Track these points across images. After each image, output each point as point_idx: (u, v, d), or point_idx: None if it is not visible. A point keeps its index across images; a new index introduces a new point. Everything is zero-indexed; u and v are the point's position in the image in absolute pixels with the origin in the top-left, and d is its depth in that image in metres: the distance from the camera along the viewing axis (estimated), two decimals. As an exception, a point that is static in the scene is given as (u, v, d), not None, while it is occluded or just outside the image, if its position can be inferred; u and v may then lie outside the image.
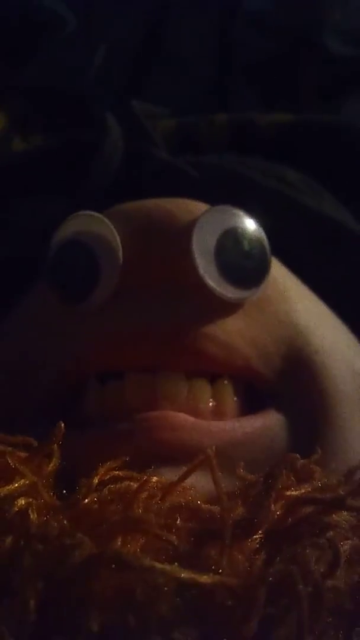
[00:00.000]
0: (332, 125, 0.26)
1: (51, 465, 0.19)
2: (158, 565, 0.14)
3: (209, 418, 0.21)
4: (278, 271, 0.23)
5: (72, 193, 0.24)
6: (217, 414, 0.22)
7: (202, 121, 0.26)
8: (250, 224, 0.22)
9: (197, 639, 0.14)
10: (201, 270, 0.21)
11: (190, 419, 0.21)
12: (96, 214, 0.22)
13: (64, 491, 0.18)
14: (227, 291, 0.21)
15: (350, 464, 0.18)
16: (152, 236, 0.22)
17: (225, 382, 0.22)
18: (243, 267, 0.22)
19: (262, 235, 0.22)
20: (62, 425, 0.19)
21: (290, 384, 0.22)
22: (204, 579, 0.14)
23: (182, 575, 0.14)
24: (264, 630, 0.14)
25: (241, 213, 0.22)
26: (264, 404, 0.22)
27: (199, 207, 0.22)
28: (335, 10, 0.28)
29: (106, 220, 0.22)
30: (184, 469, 0.18)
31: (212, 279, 0.21)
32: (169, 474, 0.18)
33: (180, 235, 0.21)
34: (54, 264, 0.22)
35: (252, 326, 0.22)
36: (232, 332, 0.22)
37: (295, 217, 0.24)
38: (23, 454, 0.19)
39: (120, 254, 0.21)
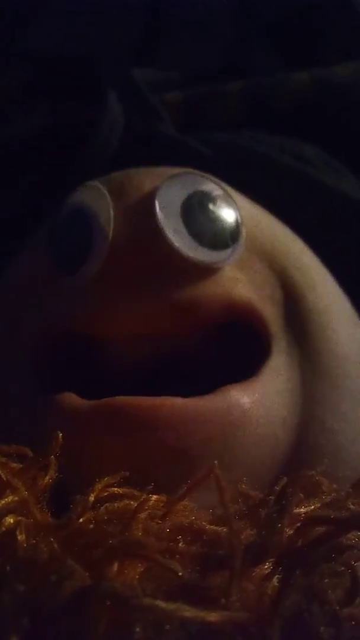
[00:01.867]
0: (352, 84, 0.25)
1: (47, 478, 0.17)
2: (159, 604, 0.12)
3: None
4: (261, 220, 0.22)
5: (71, 172, 0.24)
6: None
7: (211, 94, 0.25)
8: (213, 187, 0.22)
9: None
10: (170, 239, 0.20)
11: (178, 402, 0.19)
12: (96, 184, 0.22)
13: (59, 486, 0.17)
14: (201, 255, 0.21)
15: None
16: (125, 207, 0.21)
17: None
18: (213, 229, 0.21)
19: (228, 196, 0.21)
20: (60, 435, 0.18)
21: (290, 326, 0.22)
22: (212, 616, 0.12)
23: (187, 614, 0.12)
24: None
25: (203, 177, 0.22)
26: (263, 354, 0.21)
27: (160, 177, 0.21)
28: None
29: (106, 193, 0.21)
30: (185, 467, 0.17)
31: (182, 244, 0.21)
32: (171, 479, 0.17)
33: (146, 208, 0.21)
34: (55, 234, 0.22)
35: (245, 269, 0.21)
36: (226, 283, 0.21)
37: (312, 195, 0.23)
38: (17, 466, 0.18)
39: (108, 231, 0.21)
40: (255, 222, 0.22)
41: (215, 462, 0.16)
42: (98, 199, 0.21)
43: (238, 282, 0.21)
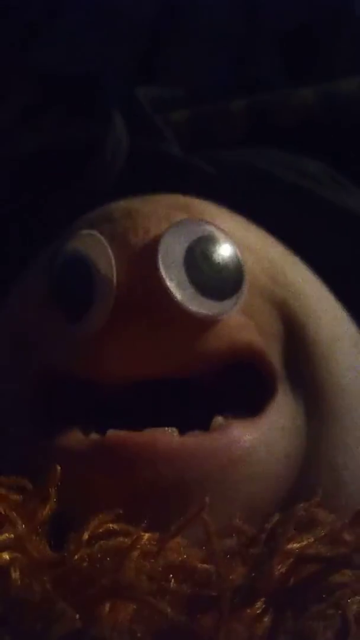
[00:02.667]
0: (356, 99, 0.25)
1: (46, 510, 0.18)
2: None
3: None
4: (263, 245, 0.22)
5: (75, 191, 0.23)
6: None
7: (217, 111, 0.25)
8: (217, 235, 0.21)
9: None
10: (178, 297, 0.20)
11: (175, 440, 0.19)
12: (96, 235, 0.21)
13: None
14: (203, 307, 0.20)
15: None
16: (131, 257, 0.21)
17: (220, 419, 0.20)
18: (216, 279, 0.20)
19: (231, 244, 0.21)
20: (59, 468, 0.18)
21: (292, 361, 0.21)
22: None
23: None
24: None
25: (207, 224, 0.21)
26: (266, 395, 0.21)
27: (171, 216, 0.21)
28: None
29: (102, 240, 0.21)
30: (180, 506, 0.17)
31: (184, 296, 0.20)
32: (168, 515, 0.17)
33: (148, 257, 0.20)
34: (57, 279, 0.22)
35: (247, 311, 0.21)
36: (230, 328, 0.20)
37: (317, 211, 0.23)
38: (17, 498, 0.18)
39: (114, 279, 0.20)
40: (254, 257, 0.22)
41: (207, 499, 0.16)
42: (98, 247, 0.21)
43: (241, 328, 0.21)
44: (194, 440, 0.19)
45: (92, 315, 0.21)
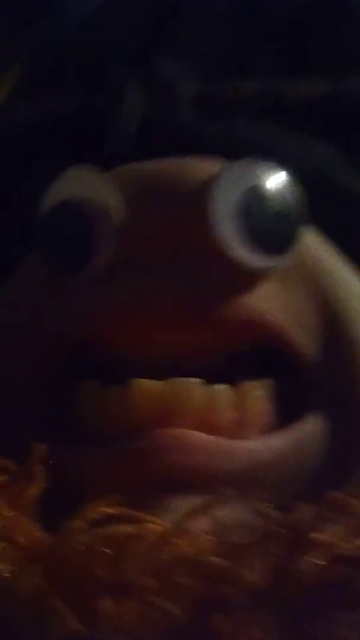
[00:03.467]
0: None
1: (34, 489, 0.16)
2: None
3: (230, 432, 0.18)
4: (311, 238, 0.20)
5: (84, 160, 0.21)
6: (242, 425, 0.19)
7: (228, 88, 0.23)
8: (276, 181, 0.19)
9: None
10: (222, 236, 0.18)
11: (208, 438, 0.18)
12: (95, 170, 0.19)
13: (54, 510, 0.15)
14: (253, 259, 0.18)
15: None
16: (162, 196, 0.18)
17: (250, 384, 0.19)
18: (270, 230, 0.18)
19: (291, 193, 0.19)
20: (44, 446, 0.16)
21: (328, 372, 0.19)
22: None
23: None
24: None
25: (267, 167, 0.19)
26: (299, 398, 0.19)
27: (215, 165, 0.19)
28: None
29: (107, 179, 0.19)
30: (200, 498, 0.16)
31: (235, 245, 0.18)
32: (183, 504, 0.16)
33: (194, 197, 0.18)
34: (44, 229, 0.19)
35: (285, 295, 0.19)
36: (262, 300, 0.19)
37: (326, 195, 0.21)
38: (2, 478, 0.16)
39: (116, 215, 0.18)
40: (309, 239, 0.20)
41: (226, 490, 0.15)
42: (94, 182, 0.19)
43: (275, 302, 0.19)
44: (222, 442, 0.18)
45: (93, 262, 0.18)
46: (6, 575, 0.13)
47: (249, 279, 0.19)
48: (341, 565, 0.14)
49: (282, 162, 0.20)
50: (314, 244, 0.21)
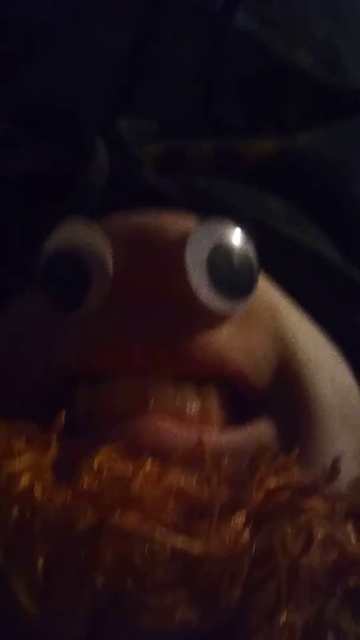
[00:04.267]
0: (312, 158, 0.27)
1: (50, 454, 0.20)
2: (156, 532, 0.15)
3: (194, 424, 0.22)
4: (265, 285, 0.24)
5: (55, 214, 0.24)
6: (203, 420, 0.23)
7: (189, 147, 0.26)
8: (238, 238, 0.23)
9: (187, 601, 0.16)
10: (194, 283, 0.22)
11: (177, 427, 0.22)
12: (88, 222, 0.23)
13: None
14: (219, 302, 0.22)
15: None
16: (145, 249, 0.21)
17: (212, 388, 0.23)
18: (233, 279, 0.23)
19: (250, 248, 0.23)
20: (63, 414, 0.20)
21: (278, 393, 0.23)
22: (195, 548, 0.16)
23: (176, 542, 0.16)
24: (245, 597, 0.16)
25: (230, 228, 0.23)
26: (249, 414, 0.23)
27: (188, 222, 0.23)
28: (317, 33, 0.28)
29: (99, 230, 0.23)
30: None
31: (204, 291, 0.22)
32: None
33: (172, 250, 0.22)
34: (45, 272, 0.23)
35: (243, 335, 0.23)
36: (224, 339, 0.23)
37: (277, 247, 0.25)
38: (22, 440, 0.20)
39: (111, 264, 0.22)
40: (260, 283, 0.24)
41: (205, 439, 0.19)
42: (88, 232, 0.23)
43: (235, 345, 0.22)
44: (191, 430, 0.22)
45: (90, 297, 0.22)
46: (41, 497, 0.18)
47: (214, 321, 0.23)
48: (283, 493, 0.19)
49: (239, 217, 0.24)
50: (267, 289, 0.25)
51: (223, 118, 0.27)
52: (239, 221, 0.24)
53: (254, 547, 0.17)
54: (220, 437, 0.22)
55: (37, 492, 0.18)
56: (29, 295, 0.25)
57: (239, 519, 0.18)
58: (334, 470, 0.19)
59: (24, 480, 0.18)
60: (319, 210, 0.27)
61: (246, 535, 0.18)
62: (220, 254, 0.23)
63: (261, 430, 0.23)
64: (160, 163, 0.26)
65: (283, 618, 0.17)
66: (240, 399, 0.24)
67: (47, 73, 0.28)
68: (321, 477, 0.19)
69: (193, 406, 0.23)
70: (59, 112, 0.27)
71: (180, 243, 0.23)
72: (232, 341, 0.23)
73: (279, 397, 0.23)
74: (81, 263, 0.23)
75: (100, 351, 0.23)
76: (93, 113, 0.27)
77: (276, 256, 0.25)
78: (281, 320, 0.24)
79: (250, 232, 0.24)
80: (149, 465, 0.19)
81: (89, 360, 0.23)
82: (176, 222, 0.23)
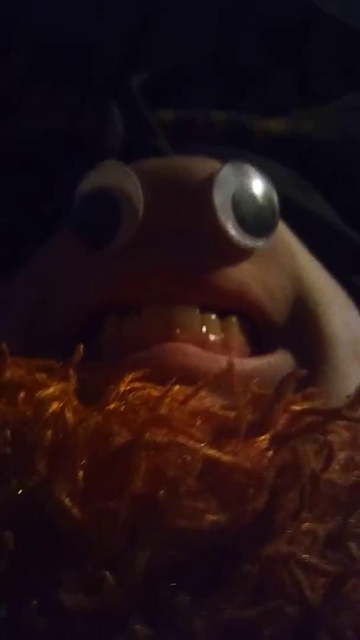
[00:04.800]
0: (326, 140, 0.28)
1: (71, 383, 0.20)
2: (189, 442, 0.16)
3: (218, 351, 0.23)
4: (283, 229, 0.26)
5: (71, 178, 0.25)
6: (225, 348, 0.24)
7: (200, 118, 0.27)
8: (261, 180, 0.25)
9: (217, 507, 0.17)
10: (221, 219, 0.23)
11: (201, 351, 0.23)
12: (122, 165, 0.24)
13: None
14: (244, 238, 0.23)
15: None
16: (175, 190, 0.23)
17: (234, 319, 0.24)
18: (257, 217, 0.23)
19: (272, 190, 0.25)
20: (82, 347, 0.21)
21: (293, 328, 0.25)
22: (225, 458, 0.17)
23: (208, 452, 0.17)
24: (270, 502, 0.17)
25: (253, 170, 0.25)
26: (268, 347, 0.25)
27: (214, 164, 0.24)
28: None
29: (130, 172, 0.24)
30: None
31: (230, 227, 0.23)
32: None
33: (200, 189, 0.23)
34: (79, 212, 0.24)
35: (263, 272, 0.24)
36: (246, 273, 0.23)
37: (282, 210, 0.26)
38: (44, 375, 0.20)
39: (141, 204, 0.23)
40: (279, 227, 0.25)
41: (233, 363, 0.20)
42: (119, 172, 0.23)
43: (255, 280, 0.23)
44: (214, 355, 0.23)
45: (117, 237, 0.23)
46: (73, 421, 0.19)
47: (237, 256, 0.24)
48: (307, 417, 0.20)
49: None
50: (285, 232, 0.26)
51: (241, 64, 0.28)
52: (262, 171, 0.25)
53: (279, 459, 0.18)
54: (243, 363, 0.23)
55: (68, 415, 0.19)
56: (58, 240, 0.26)
57: (265, 439, 0.19)
58: (357, 398, 0.20)
59: (54, 405, 0.19)
60: (323, 182, 0.27)
61: (271, 453, 0.19)
62: (245, 193, 0.24)
63: (280, 360, 0.24)
64: (171, 130, 0.26)
65: (306, 525, 0.18)
66: (259, 334, 0.25)
67: (64, 13, 0.28)
68: (344, 405, 0.20)
69: (216, 334, 0.24)
70: (76, 54, 0.27)
71: (207, 182, 0.24)
72: (253, 275, 0.24)
73: (295, 332, 0.25)
74: (112, 202, 0.24)
75: (127, 283, 0.24)
76: (109, 57, 0.27)
77: (283, 219, 0.26)
78: (298, 261, 0.26)
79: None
80: (175, 389, 0.20)
81: (116, 291, 0.24)
82: (203, 164, 0.24)
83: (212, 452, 0.16)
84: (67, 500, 0.16)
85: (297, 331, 0.25)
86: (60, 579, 0.15)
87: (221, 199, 0.24)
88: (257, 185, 0.24)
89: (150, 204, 0.24)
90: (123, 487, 0.16)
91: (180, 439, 0.17)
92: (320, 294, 0.26)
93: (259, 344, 0.25)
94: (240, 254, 0.24)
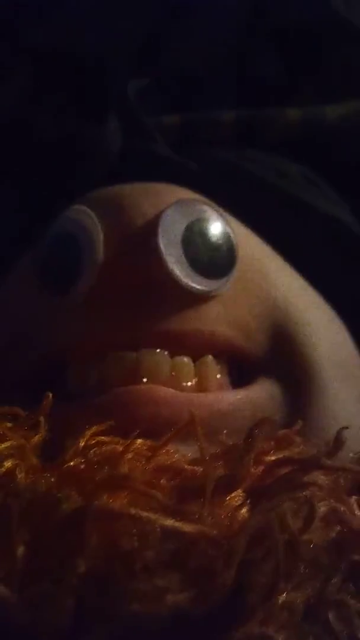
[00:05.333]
0: (340, 127, 0.27)
1: (37, 436, 0.19)
2: (144, 513, 0.14)
3: (189, 390, 0.22)
4: (253, 248, 0.24)
5: (65, 190, 0.25)
6: (200, 390, 0.22)
7: (207, 120, 0.26)
8: (214, 216, 0.23)
9: (179, 584, 0.15)
10: (170, 266, 0.22)
11: (171, 391, 0.21)
12: (84, 209, 0.23)
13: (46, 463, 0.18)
14: (197, 283, 0.21)
15: (333, 432, 0.18)
16: (125, 230, 0.22)
17: (209, 358, 0.22)
18: (210, 258, 0.22)
19: (227, 226, 0.23)
20: (50, 396, 0.20)
21: (274, 356, 0.23)
22: (187, 528, 0.15)
23: (166, 523, 0.14)
24: (241, 577, 0.15)
25: (205, 206, 0.23)
26: (250, 379, 0.23)
27: (167, 198, 0.23)
28: None
29: (92, 215, 0.22)
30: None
31: (181, 272, 0.22)
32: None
33: (147, 232, 0.21)
34: (43, 257, 0.23)
35: (231, 307, 0.23)
36: (211, 318, 0.22)
37: (291, 211, 0.25)
38: (9, 424, 0.19)
39: (101, 250, 0.22)
40: (248, 252, 0.24)
41: (194, 412, 0.18)
42: (85, 219, 0.22)
43: (223, 320, 0.22)
44: (186, 394, 0.21)
45: (80, 284, 0.22)
46: (24, 481, 0.17)
47: (199, 298, 0.22)
48: (281, 468, 0.18)
49: (256, 184, 0.23)
50: (256, 251, 0.24)
51: (258, 76, 0.27)
52: (255, 188, 0.24)
53: (251, 525, 0.15)
54: (218, 400, 0.21)
55: (20, 475, 0.17)
56: (20, 277, 0.25)
57: (236, 495, 0.17)
58: (338, 442, 0.18)
59: (7, 463, 0.17)
60: (338, 178, 0.26)
61: (243, 512, 0.17)
62: (194, 234, 0.22)
63: (257, 391, 0.22)
64: (176, 135, 0.26)
65: (282, 597, 0.15)
66: (239, 365, 0.23)
67: (71, 25, 0.28)
68: (323, 450, 0.18)
69: (187, 379, 0.22)
70: (83, 66, 0.27)
71: (153, 223, 0.22)
72: (219, 314, 0.23)
73: (276, 359, 0.23)
74: (74, 248, 0.22)
75: (90, 331, 0.22)
76: (117, 69, 0.27)
77: (293, 219, 0.25)
78: (272, 283, 0.24)
79: (265, 196, 0.24)
80: (138, 443, 0.18)
81: (79, 338, 0.23)
82: (152, 200, 0.23)
83: (170, 522, 0.14)
84: (1, 585, 0.13)
85: (280, 357, 0.23)
86: None
87: (167, 240, 0.22)
88: (209, 224, 0.23)
89: (108, 246, 0.22)
90: (69, 565, 0.14)
91: (138, 505, 0.14)
92: (300, 316, 0.24)
93: (240, 374, 0.23)
94: (204, 295, 0.22)
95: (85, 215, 0.23)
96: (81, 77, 0.27)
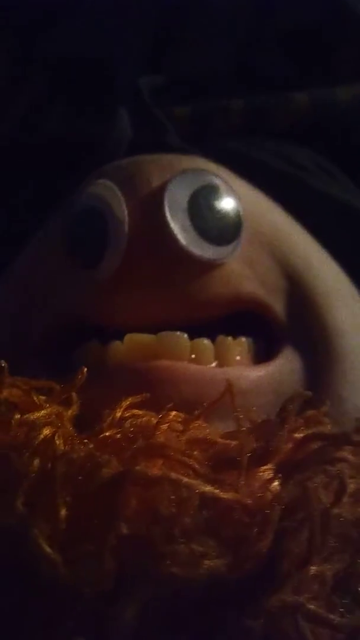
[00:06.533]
0: (351, 109, 0.26)
1: (73, 407, 0.19)
2: (184, 479, 0.15)
3: (212, 367, 0.22)
4: (262, 207, 0.24)
5: (76, 182, 0.25)
6: (221, 365, 0.22)
7: (216, 108, 0.26)
8: (218, 182, 0.23)
9: (215, 550, 0.15)
10: (183, 241, 0.22)
11: (192, 367, 0.21)
12: (107, 182, 0.23)
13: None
14: (207, 250, 0.21)
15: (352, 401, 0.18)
16: (139, 206, 0.22)
17: (228, 340, 0.23)
18: (218, 225, 0.22)
19: (232, 191, 0.22)
20: (85, 370, 0.20)
21: (296, 318, 0.23)
22: (225, 495, 0.15)
23: (206, 489, 0.15)
24: (276, 546, 0.15)
25: (209, 174, 0.23)
26: (271, 354, 0.23)
27: (175, 167, 0.23)
28: None
29: (117, 191, 0.22)
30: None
31: (188, 240, 0.21)
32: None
33: (155, 204, 0.22)
34: (70, 230, 0.23)
35: (250, 263, 0.22)
36: (231, 273, 0.22)
37: (302, 198, 0.25)
38: (42, 399, 0.19)
39: (126, 228, 0.22)
40: (256, 213, 0.24)
41: (232, 383, 0.18)
42: (110, 194, 0.22)
43: (244, 277, 0.22)
44: (209, 369, 0.21)
45: (106, 261, 0.22)
46: (62, 447, 0.17)
47: (211, 267, 0.22)
48: (312, 443, 0.18)
49: (268, 172, 0.24)
50: (266, 211, 0.24)
51: (265, 73, 0.27)
52: (267, 177, 0.24)
53: (285, 496, 0.16)
54: (242, 377, 0.21)
55: (59, 442, 0.17)
56: (40, 245, 0.25)
57: (268, 469, 0.17)
58: None
59: (45, 431, 0.17)
60: (352, 161, 0.26)
61: (275, 485, 0.17)
62: (200, 200, 0.22)
63: (283, 364, 0.22)
64: (187, 125, 0.26)
65: (313, 569, 0.16)
66: (264, 336, 0.23)
67: (81, 29, 0.28)
68: (352, 428, 0.18)
69: (207, 356, 0.22)
70: (93, 68, 0.27)
71: (160, 194, 0.22)
72: (239, 273, 0.23)
73: (297, 322, 0.23)
74: (101, 224, 0.22)
75: (112, 313, 0.22)
76: (127, 67, 0.27)
77: (305, 207, 0.24)
78: (287, 235, 0.24)
79: (276, 184, 0.23)
80: (173, 415, 0.18)
81: (99, 317, 0.23)
82: (157, 169, 0.23)
83: (209, 488, 0.14)
84: (45, 545, 0.14)
85: (300, 321, 0.23)
86: (36, 636, 0.13)
87: (173, 209, 0.22)
88: (214, 191, 0.23)
89: (131, 223, 0.22)
90: (111, 527, 0.14)
91: (175, 472, 0.15)
92: (319, 282, 0.24)
93: (265, 349, 0.23)
94: (216, 262, 0.22)
95: (110, 190, 0.23)
96: (92, 75, 0.27)
